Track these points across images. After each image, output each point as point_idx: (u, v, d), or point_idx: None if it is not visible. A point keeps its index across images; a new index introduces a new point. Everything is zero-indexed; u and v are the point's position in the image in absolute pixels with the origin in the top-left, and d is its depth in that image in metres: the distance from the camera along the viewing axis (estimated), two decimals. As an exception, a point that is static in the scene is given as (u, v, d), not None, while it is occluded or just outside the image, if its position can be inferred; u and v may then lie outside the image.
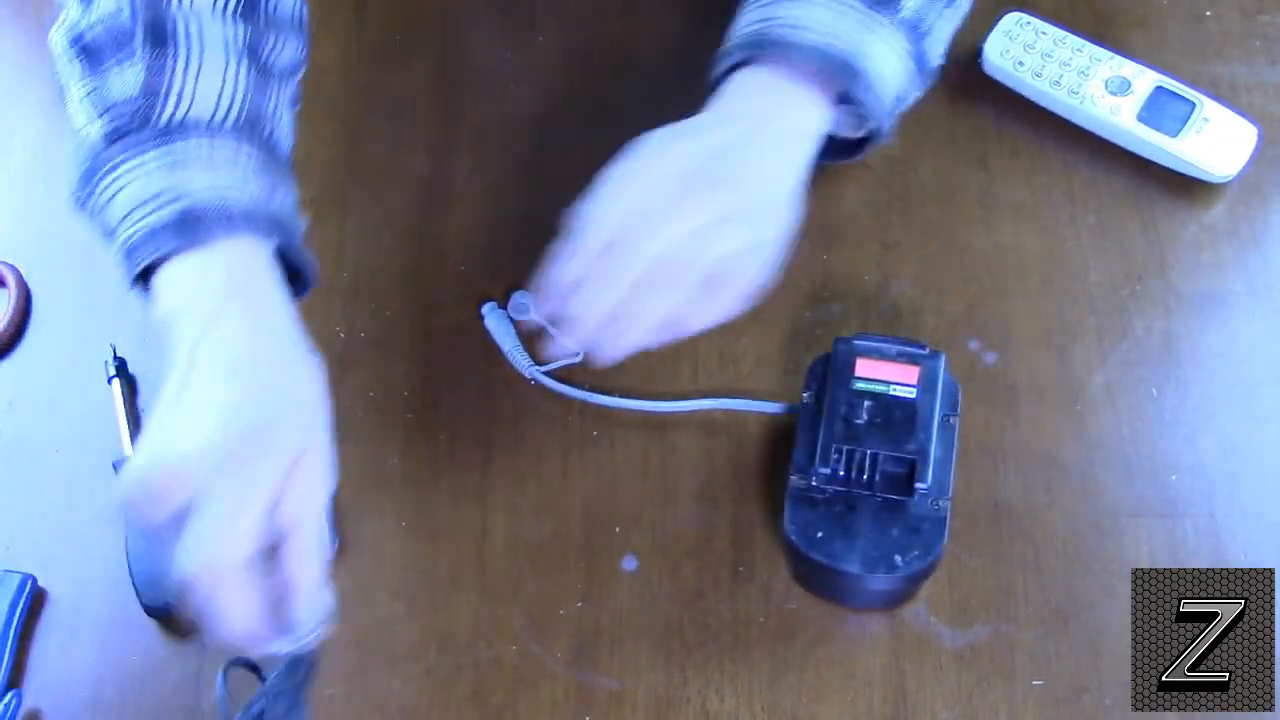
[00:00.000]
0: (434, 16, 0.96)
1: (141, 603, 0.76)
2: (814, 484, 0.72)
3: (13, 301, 0.86)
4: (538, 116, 0.91)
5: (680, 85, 0.83)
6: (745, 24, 0.78)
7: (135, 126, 0.69)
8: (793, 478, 0.72)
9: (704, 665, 0.74)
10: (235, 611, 0.62)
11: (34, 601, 0.77)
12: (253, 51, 0.73)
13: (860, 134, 0.82)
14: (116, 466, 0.79)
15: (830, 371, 0.74)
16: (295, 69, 0.78)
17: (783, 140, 0.75)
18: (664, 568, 0.76)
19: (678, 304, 0.68)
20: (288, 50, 0.76)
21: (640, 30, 0.94)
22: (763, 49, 0.75)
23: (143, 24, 0.70)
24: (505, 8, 0.96)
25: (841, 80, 0.75)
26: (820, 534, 0.71)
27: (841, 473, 0.71)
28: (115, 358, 0.83)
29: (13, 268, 0.87)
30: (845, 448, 0.71)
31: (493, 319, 0.83)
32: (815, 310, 0.83)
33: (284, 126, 0.76)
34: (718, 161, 0.72)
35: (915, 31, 0.77)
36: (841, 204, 0.86)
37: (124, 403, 0.82)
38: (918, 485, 0.70)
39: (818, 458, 0.71)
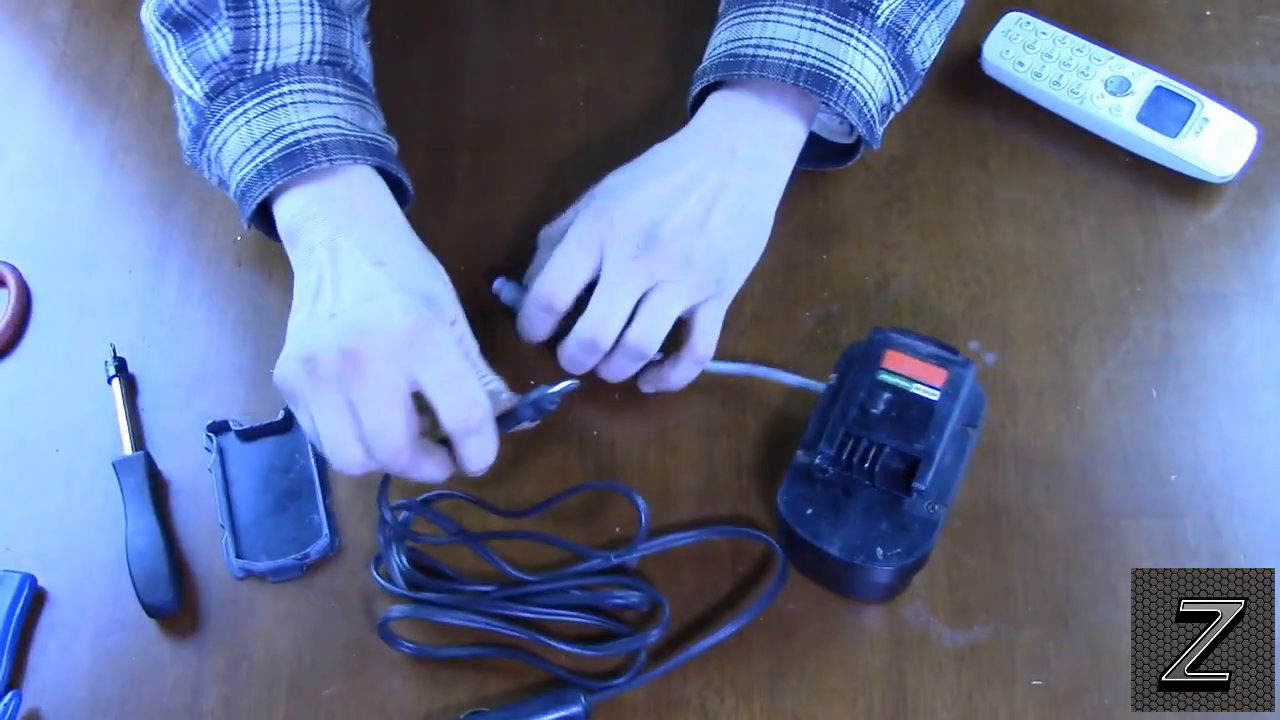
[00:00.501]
0: (434, 16, 0.96)
1: (141, 603, 0.76)
2: (816, 462, 0.72)
3: (13, 301, 0.86)
4: (538, 117, 0.91)
5: (679, 83, 0.83)
6: (717, 44, 0.80)
7: (233, 80, 0.77)
8: (799, 453, 0.73)
9: (704, 665, 0.74)
10: (427, 472, 0.72)
11: (34, 601, 0.77)
12: None
13: (852, 139, 0.83)
14: (117, 466, 0.79)
15: (860, 358, 0.74)
16: (361, 6, 0.84)
17: (754, 165, 0.78)
18: (664, 568, 0.76)
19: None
20: None
21: (640, 30, 0.94)
22: (734, 70, 0.77)
23: None
24: (505, 8, 0.96)
25: (816, 94, 0.75)
26: (810, 511, 0.71)
27: (844, 456, 0.71)
28: (115, 358, 0.83)
29: (13, 268, 0.87)
30: (854, 433, 0.71)
31: (508, 291, 0.82)
32: (815, 310, 0.83)
33: (363, 58, 0.82)
34: (679, 210, 0.76)
35: (897, 38, 0.77)
36: (841, 204, 0.86)
37: (124, 403, 0.81)
38: (916, 485, 0.70)
39: (824, 437, 0.72)
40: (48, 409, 0.83)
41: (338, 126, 0.76)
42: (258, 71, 0.76)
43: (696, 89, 0.79)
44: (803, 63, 0.76)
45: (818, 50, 0.76)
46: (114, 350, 0.83)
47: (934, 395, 0.72)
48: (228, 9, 0.76)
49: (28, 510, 0.80)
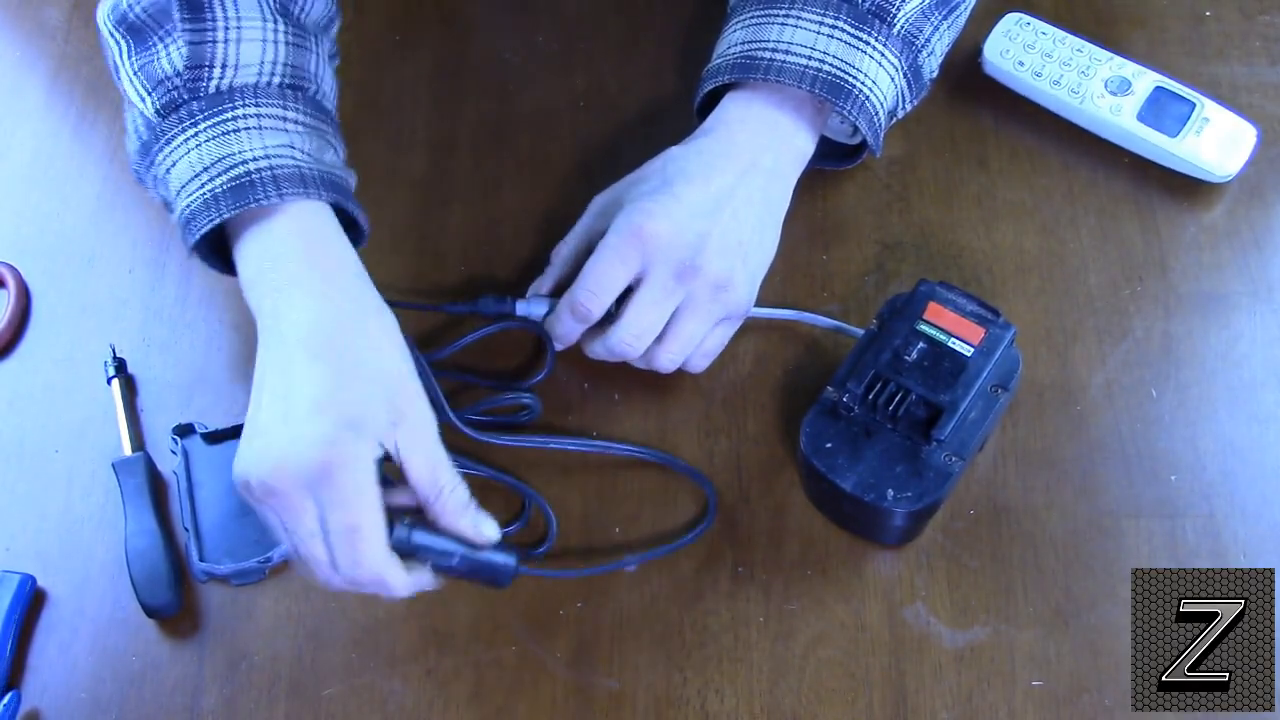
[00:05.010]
0: (434, 16, 0.96)
1: (141, 603, 0.76)
2: (843, 400, 0.73)
3: (13, 301, 0.86)
4: (538, 116, 0.91)
5: (679, 84, 0.83)
6: (731, 43, 0.79)
7: (185, 99, 0.72)
8: (828, 389, 0.74)
9: (704, 665, 0.74)
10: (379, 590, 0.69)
11: (34, 601, 0.77)
12: (285, 10, 0.75)
13: (856, 140, 0.82)
14: (117, 467, 0.79)
15: (902, 307, 0.75)
16: (329, 23, 0.80)
17: (771, 177, 0.78)
18: (664, 568, 0.76)
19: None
20: (318, 4, 0.78)
21: (640, 30, 0.94)
22: (751, 72, 0.76)
23: None
24: (506, 8, 0.96)
25: (831, 102, 0.75)
26: (829, 445, 0.72)
27: (871, 397, 0.72)
28: (115, 358, 0.83)
29: (12, 268, 0.87)
30: (884, 376, 0.72)
31: (534, 307, 0.81)
32: (815, 310, 0.83)
33: (327, 83, 0.78)
34: (717, 228, 0.75)
35: (911, 46, 0.77)
36: (841, 204, 0.86)
37: (124, 403, 0.82)
38: (935, 434, 0.71)
39: (854, 376, 0.73)
40: (48, 409, 0.83)
41: (293, 158, 0.71)
42: (212, 90, 0.72)
43: (708, 87, 0.79)
44: (819, 69, 0.75)
45: (835, 57, 0.76)
46: (114, 351, 0.83)
47: (968, 351, 0.73)
48: (183, 20, 0.72)
49: (28, 510, 0.80)
